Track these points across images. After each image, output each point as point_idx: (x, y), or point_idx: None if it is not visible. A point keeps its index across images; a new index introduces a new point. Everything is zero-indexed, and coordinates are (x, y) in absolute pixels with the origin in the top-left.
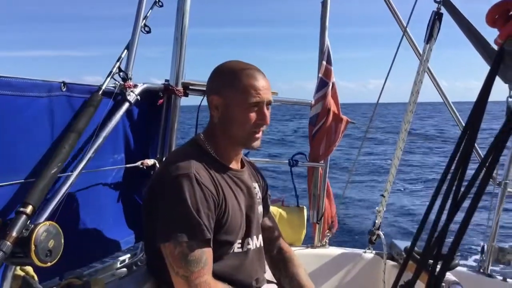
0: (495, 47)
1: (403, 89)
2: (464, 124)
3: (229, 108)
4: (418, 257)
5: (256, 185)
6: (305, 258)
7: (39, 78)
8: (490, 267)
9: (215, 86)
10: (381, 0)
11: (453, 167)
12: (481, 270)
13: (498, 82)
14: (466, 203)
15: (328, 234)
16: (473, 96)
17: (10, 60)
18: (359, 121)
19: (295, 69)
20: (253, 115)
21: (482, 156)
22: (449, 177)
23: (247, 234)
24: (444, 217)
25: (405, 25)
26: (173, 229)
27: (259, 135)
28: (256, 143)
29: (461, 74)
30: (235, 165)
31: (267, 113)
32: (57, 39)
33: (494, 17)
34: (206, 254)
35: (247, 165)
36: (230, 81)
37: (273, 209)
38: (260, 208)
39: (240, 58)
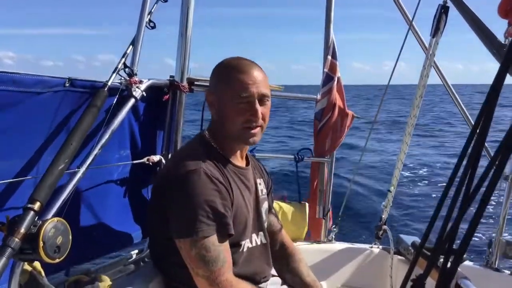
0: (502, 40)
1: (419, 70)
2: (472, 121)
3: (221, 104)
4: (428, 252)
5: (260, 180)
6: (311, 253)
7: (45, 75)
8: (498, 262)
9: (211, 83)
10: None
11: (463, 164)
12: (489, 265)
13: None
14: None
15: (335, 229)
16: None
17: (22, 38)
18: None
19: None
20: (242, 110)
21: (492, 154)
22: (459, 173)
23: (253, 231)
24: (454, 213)
25: (411, 19)
26: (187, 227)
27: (255, 130)
28: (252, 139)
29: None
30: (240, 161)
31: (259, 108)
32: (67, 17)
33: (506, 9)
34: (224, 251)
35: (252, 161)
36: (221, 77)
37: (275, 204)
38: (265, 205)
39: (257, 39)
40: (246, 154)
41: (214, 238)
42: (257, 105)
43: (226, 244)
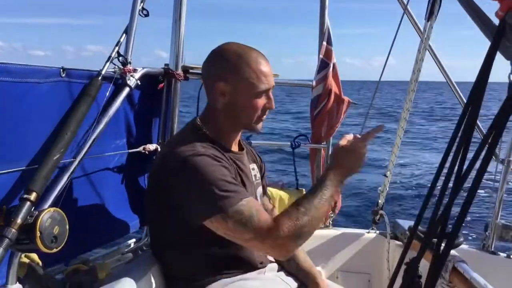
0: (496, 21)
1: (409, 67)
2: (464, 100)
3: (237, 95)
4: (422, 235)
5: (254, 165)
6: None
7: (39, 65)
8: (494, 244)
9: (220, 72)
10: None
11: (455, 145)
12: (485, 248)
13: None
14: (469, 182)
15: (332, 215)
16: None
17: (11, 26)
18: (363, 100)
19: (300, 44)
20: (262, 101)
21: (484, 133)
22: (451, 154)
23: None
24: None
25: (405, 3)
26: (211, 205)
27: (265, 117)
28: (260, 126)
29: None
30: (234, 147)
31: (273, 97)
32: (55, 6)
33: None
34: (252, 206)
35: (245, 146)
36: (238, 67)
37: (272, 191)
38: (259, 189)
39: (243, 32)
40: (239, 140)
41: (239, 202)
42: (272, 95)
43: (249, 199)
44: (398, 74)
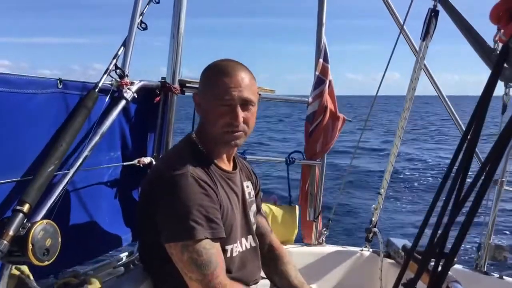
0: (491, 44)
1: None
2: (462, 126)
3: (205, 106)
4: (419, 256)
5: (248, 183)
6: (301, 256)
7: (35, 76)
8: (486, 265)
9: (199, 85)
10: None
11: (455, 168)
12: (478, 268)
13: None
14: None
15: (325, 232)
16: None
17: (18, 46)
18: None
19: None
20: (223, 114)
21: (482, 159)
22: (451, 178)
23: (243, 235)
24: (445, 218)
25: (402, 23)
26: (177, 231)
27: (237, 134)
28: (234, 142)
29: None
30: (227, 165)
31: (240, 112)
32: (61, 26)
33: (498, 14)
34: (216, 254)
35: (239, 164)
36: (207, 79)
37: (265, 207)
38: (253, 207)
39: (247, 49)
40: (233, 157)
41: (205, 241)
42: (238, 109)
43: (218, 247)
44: (403, 89)
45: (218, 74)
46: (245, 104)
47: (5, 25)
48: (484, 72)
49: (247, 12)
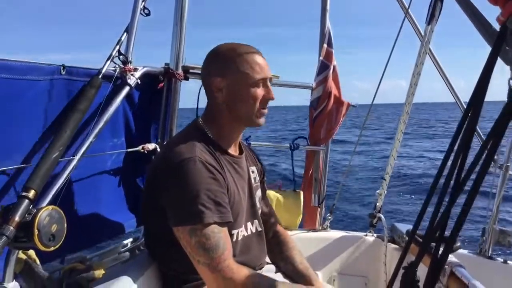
0: (497, 26)
1: (419, 88)
2: (464, 105)
3: (235, 88)
4: (420, 239)
5: (254, 168)
6: (306, 241)
7: (37, 62)
8: (491, 250)
9: (215, 68)
10: None
11: (455, 149)
12: (482, 252)
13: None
14: (468, 186)
15: (329, 217)
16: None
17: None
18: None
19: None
20: (260, 92)
21: (484, 139)
22: (451, 159)
23: (248, 219)
24: (445, 201)
25: (407, 7)
26: (185, 215)
27: (266, 111)
28: (262, 120)
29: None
30: (233, 150)
31: (271, 88)
32: (68, 41)
33: None
34: (223, 237)
35: (245, 150)
36: (232, 61)
37: (270, 193)
38: (258, 192)
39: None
40: (239, 143)
41: (213, 225)
42: (270, 86)
43: (226, 231)
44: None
45: (247, 56)
46: (270, 81)
47: (9, 40)
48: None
49: (241, 22)
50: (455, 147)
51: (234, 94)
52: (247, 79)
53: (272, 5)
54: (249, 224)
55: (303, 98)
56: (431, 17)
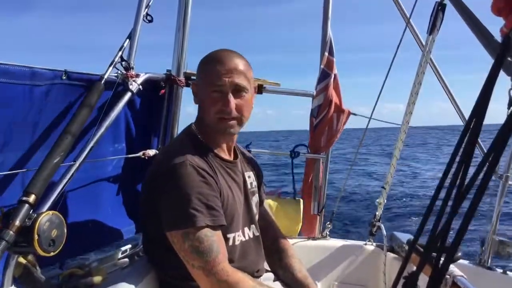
0: (499, 38)
1: (418, 111)
2: (466, 117)
3: (199, 94)
4: (421, 249)
5: (250, 173)
6: (305, 249)
7: (39, 67)
8: (490, 260)
9: (196, 74)
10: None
11: (456, 160)
12: (481, 263)
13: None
14: (469, 196)
15: (329, 226)
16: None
17: (28, 62)
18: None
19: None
20: (215, 101)
21: (485, 150)
22: (452, 170)
23: (245, 224)
24: (447, 210)
25: (408, 16)
26: (177, 219)
27: (231, 122)
28: (228, 130)
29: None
30: (227, 155)
31: (232, 99)
32: (69, 42)
33: (499, 6)
34: (217, 241)
35: (240, 155)
36: (201, 68)
37: (269, 201)
38: (255, 198)
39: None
40: (234, 147)
41: (206, 229)
42: (230, 96)
43: (219, 234)
44: (413, 119)
45: (211, 62)
46: (238, 90)
47: (12, 41)
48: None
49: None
50: (457, 158)
51: (199, 100)
52: (204, 86)
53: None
54: (246, 229)
55: None
56: (433, 27)
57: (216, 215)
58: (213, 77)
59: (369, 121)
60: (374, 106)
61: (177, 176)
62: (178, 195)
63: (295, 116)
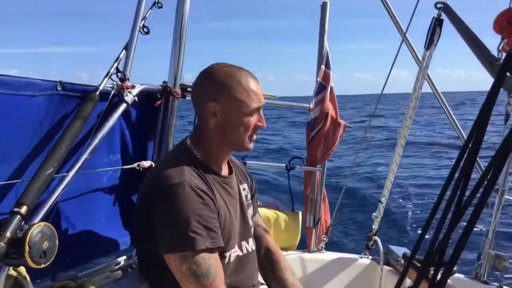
0: (495, 53)
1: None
2: (464, 135)
3: (229, 114)
4: (418, 264)
5: (244, 185)
6: (301, 262)
7: (33, 78)
8: (486, 274)
9: (210, 91)
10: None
11: (455, 176)
12: (477, 277)
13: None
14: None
15: (325, 238)
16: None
17: (27, 56)
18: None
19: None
20: (253, 120)
21: (483, 168)
22: (451, 185)
23: (243, 238)
24: (445, 225)
25: (404, 31)
26: (175, 242)
27: (256, 137)
28: (251, 145)
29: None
30: (223, 170)
31: (263, 116)
32: (69, 36)
33: (502, 24)
34: (214, 264)
35: (234, 166)
36: (229, 87)
37: (268, 213)
38: (250, 210)
39: (249, 52)
40: (228, 160)
41: (204, 252)
42: (262, 114)
43: (216, 256)
44: (410, 85)
45: (244, 82)
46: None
47: (14, 35)
48: None
49: (241, 14)
50: (456, 174)
51: (227, 120)
52: (242, 107)
53: None
54: (243, 243)
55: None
56: (430, 42)
57: (215, 237)
58: (253, 99)
59: (368, 126)
60: (375, 107)
61: (175, 197)
62: (177, 216)
63: (298, 79)
